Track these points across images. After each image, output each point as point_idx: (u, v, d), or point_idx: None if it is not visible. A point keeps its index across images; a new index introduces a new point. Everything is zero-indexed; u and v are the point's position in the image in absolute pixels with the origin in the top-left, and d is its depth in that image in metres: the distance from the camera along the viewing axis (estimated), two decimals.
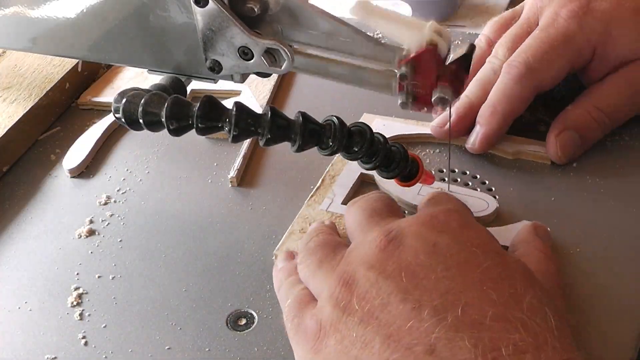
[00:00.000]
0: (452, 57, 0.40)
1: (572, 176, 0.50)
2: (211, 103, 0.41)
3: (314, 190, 0.50)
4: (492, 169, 0.51)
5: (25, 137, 0.59)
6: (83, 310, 0.44)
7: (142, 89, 0.43)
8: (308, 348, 0.36)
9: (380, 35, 0.43)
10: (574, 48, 0.50)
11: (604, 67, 0.51)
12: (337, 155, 0.44)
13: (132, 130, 0.44)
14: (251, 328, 0.42)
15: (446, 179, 0.50)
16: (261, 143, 0.41)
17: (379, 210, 0.42)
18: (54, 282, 0.46)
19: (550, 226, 0.45)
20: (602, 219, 0.46)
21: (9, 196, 0.54)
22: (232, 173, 0.53)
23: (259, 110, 0.41)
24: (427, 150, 0.53)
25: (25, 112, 0.58)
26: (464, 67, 0.40)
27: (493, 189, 0.49)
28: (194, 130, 0.41)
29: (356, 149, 0.41)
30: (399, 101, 0.41)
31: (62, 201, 0.53)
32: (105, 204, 0.52)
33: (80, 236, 0.50)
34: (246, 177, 0.53)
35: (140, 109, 0.41)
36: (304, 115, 0.41)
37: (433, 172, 0.51)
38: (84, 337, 0.43)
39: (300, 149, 0.41)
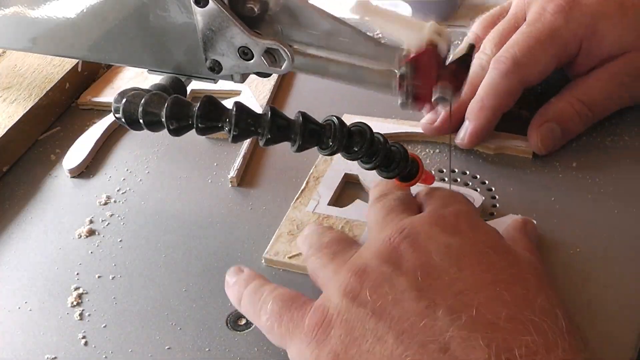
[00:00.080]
0: (452, 57, 0.40)
1: (572, 176, 0.50)
2: (211, 103, 0.41)
3: (299, 192, 0.50)
4: (492, 169, 0.51)
5: (25, 137, 0.59)
6: (83, 310, 0.44)
7: (142, 89, 0.43)
8: (309, 340, 0.36)
9: (380, 35, 0.43)
10: (561, 42, 0.51)
11: (589, 62, 0.52)
12: (333, 155, 0.44)
13: (132, 130, 0.44)
14: (251, 328, 0.42)
15: (446, 179, 0.50)
16: (261, 143, 0.41)
17: (395, 207, 0.43)
18: (54, 282, 0.46)
19: (550, 226, 0.45)
20: (602, 219, 0.46)
21: (9, 196, 0.54)
22: (232, 173, 0.53)
23: (259, 110, 0.41)
24: (427, 150, 0.53)
25: (25, 112, 0.58)
26: (464, 67, 0.40)
27: (493, 189, 0.49)
28: (194, 130, 0.41)
29: (356, 149, 0.41)
30: (399, 101, 0.41)
31: (62, 201, 0.53)
32: (105, 204, 0.52)
33: (80, 236, 0.50)
34: (246, 177, 0.53)
35: (140, 109, 0.41)
36: (304, 115, 0.41)
37: (433, 172, 0.51)
38: (84, 337, 0.43)
39: (300, 149, 0.41)
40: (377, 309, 0.35)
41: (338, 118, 0.41)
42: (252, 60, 0.41)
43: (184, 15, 0.41)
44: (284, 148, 0.42)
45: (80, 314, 0.44)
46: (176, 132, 0.41)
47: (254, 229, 0.48)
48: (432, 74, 0.39)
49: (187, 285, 0.45)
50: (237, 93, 0.61)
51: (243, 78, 0.43)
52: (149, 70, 0.46)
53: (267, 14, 0.40)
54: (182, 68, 0.44)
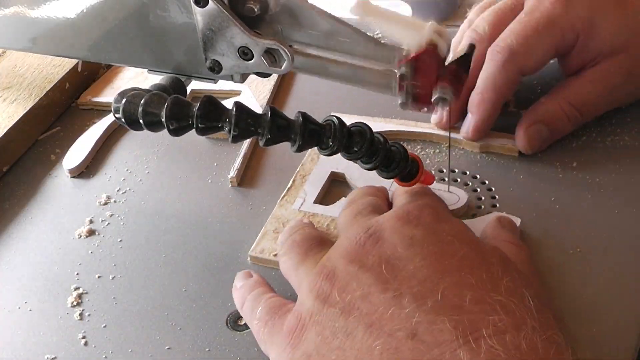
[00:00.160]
0: (452, 57, 0.40)
1: (572, 176, 0.50)
2: (211, 103, 0.41)
3: (286, 190, 0.50)
4: (492, 169, 0.51)
5: (25, 137, 0.59)
6: (83, 310, 0.44)
7: (142, 89, 0.43)
8: (285, 344, 0.36)
9: (380, 35, 0.43)
10: (558, 32, 0.50)
11: (584, 56, 0.51)
12: (331, 155, 0.44)
13: (132, 130, 0.44)
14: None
15: (446, 178, 0.50)
16: (261, 143, 0.41)
17: (362, 210, 0.43)
18: (54, 282, 0.46)
19: (550, 226, 0.45)
20: (602, 219, 0.46)
21: (9, 196, 0.54)
22: (232, 173, 0.53)
23: (259, 110, 0.41)
24: (427, 150, 0.53)
25: (25, 112, 0.58)
26: (464, 67, 0.40)
27: (493, 189, 0.49)
28: (194, 130, 0.41)
29: (356, 149, 0.41)
30: (399, 101, 0.41)
31: (62, 201, 0.53)
32: (105, 204, 0.52)
33: (80, 236, 0.50)
34: (246, 177, 0.53)
35: (140, 109, 0.41)
36: (304, 115, 0.41)
37: (433, 172, 0.51)
38: (84, 337, 0.43)
39: (300, 149, 0.41)
40: (346, 306, 0.35)
41: (338, 118, 0.41)
42: (252, 60, 0.41)
43: (184, 15, 0.41)
44: (284, 148, 0.42)
45: (80, 314, 0.44)
46: (176, 132, 0.41)
47: (253, 229, 0.48)
48: (432, 74, 0.39)
49: (187, 285, 0.45)
50: (237, 93, 0.61)
51: (243, 78, 0.44)
52: (149, 70, 0.46)
53: (267, 14, 0.40)
54: (182, 68, 0.44)
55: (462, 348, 0.31)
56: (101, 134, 0.58)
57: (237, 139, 0.41)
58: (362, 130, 0.42)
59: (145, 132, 0.43)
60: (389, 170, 0.43)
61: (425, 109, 0.41)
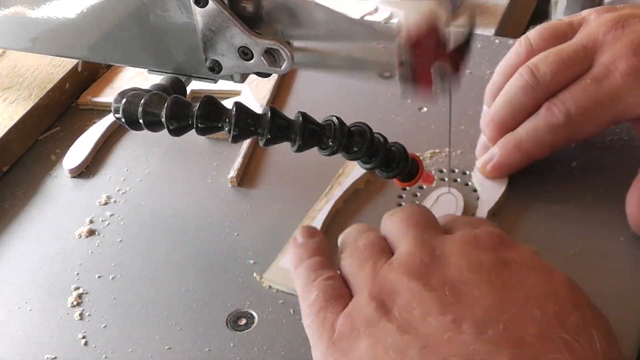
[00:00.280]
0: (452, 32, 0.39)
1: (572, 176, 0.49)
2: (211, 103, 0.41)
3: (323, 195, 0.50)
4: None
5: (25, 137, 0.59)
6: (83, 310, 0.44)
7: (142, 89, 0.43)
8: (334, 347, 0.36)
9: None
10: (622, 109, 0.46)
11: None
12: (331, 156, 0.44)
13: (132, 130, 0.44)
14: (251, 328, 0.42)
15: (446, 178, 0.50)
16: (261, 143, 0.41)
17: (421, 222, 0.41)
18: (54, 282, 0.46)
19: (550, 226, 0.45)
20: (602, 219, 0.46)
21: (9, 196, 0.54)
22: (232, 173, 0.53)
23: (259, 110, 0.41)
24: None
25: (25, 112, 0.58)
26: (463, 46, 0.39)
27: None
28: (194, 130, 0.41)
29: (356, 149, 0.41)
30: (400, 90, 0.40)
31: (62, 201, 0.53)
32: (105, 204, 0.52)
33: (80, 236, 0.50)
34: (246, 177, 0.53)
35: (140, 109, 0.41)
36: (304, 115, 0.41)
37: (433, 172, 0.51)
38: (84, 337, 0.43)
39: (300, 149, 0.41)
40: (403, 323, 0.34)
41: (338, 118, 0.41)
42: (252, 60, 0.41)
43: (183, 15, 0.41)
44: (284, 148, 0.42)
45: (80, 314, 0.44)
46: (176, 132, 0.41)
47: (253, 229, 0.48)
48: (432, 53, 0.38)
49: (187, 285, 0.45)
50: (237, 93, 0.61)
51: (243, 78, 0.43)
52: (149, 70, 0.46)
53: (266, 14, 0.40)
54: (182, 68, 0.44)
55: None
56: (101, 134, 0.58)
57: (237, 139, 0.41)
58: (362, 130, 0.41)
59: (145, 132, 0.43)
60: (389, 170, 0.43)
61: (426, 94, 0.40)
